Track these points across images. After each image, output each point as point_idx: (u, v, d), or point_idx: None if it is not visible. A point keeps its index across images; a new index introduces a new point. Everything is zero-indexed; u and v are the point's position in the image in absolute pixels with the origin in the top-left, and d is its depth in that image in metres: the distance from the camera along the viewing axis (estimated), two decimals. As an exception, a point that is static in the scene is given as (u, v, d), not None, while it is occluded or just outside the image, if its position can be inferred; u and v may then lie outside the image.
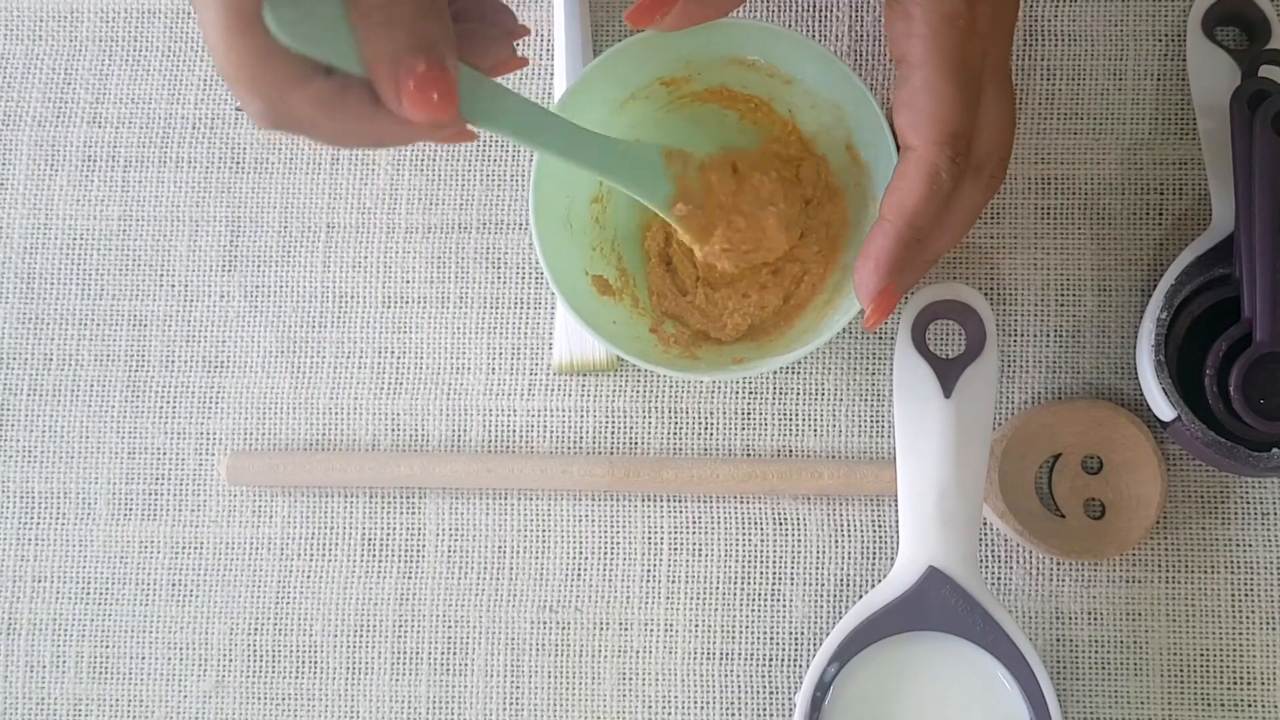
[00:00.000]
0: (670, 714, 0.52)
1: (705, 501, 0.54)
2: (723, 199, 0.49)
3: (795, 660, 0.52)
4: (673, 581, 0.53)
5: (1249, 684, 0.51)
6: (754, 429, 0.54)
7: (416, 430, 0.55)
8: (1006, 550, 0.53)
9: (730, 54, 0.50)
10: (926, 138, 0.41)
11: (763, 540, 0.53)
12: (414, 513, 0.54)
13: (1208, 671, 0.52)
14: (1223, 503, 0.52)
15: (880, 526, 0.53)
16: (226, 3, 0.34)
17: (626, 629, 0.53)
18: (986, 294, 0.54)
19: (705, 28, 0.48)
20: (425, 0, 0.36)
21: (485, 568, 0.54)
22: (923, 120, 0.41)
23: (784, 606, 0.53)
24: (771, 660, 0.53)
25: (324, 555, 0.54)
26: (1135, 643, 0.52)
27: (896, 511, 0.49)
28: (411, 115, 0.36)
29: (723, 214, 0.49)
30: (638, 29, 0.44)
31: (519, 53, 0.43)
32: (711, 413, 0.54)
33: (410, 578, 0.54)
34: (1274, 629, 0.52)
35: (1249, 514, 0.52)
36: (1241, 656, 0.52)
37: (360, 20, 0.36)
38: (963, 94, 0.40)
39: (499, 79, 0.42)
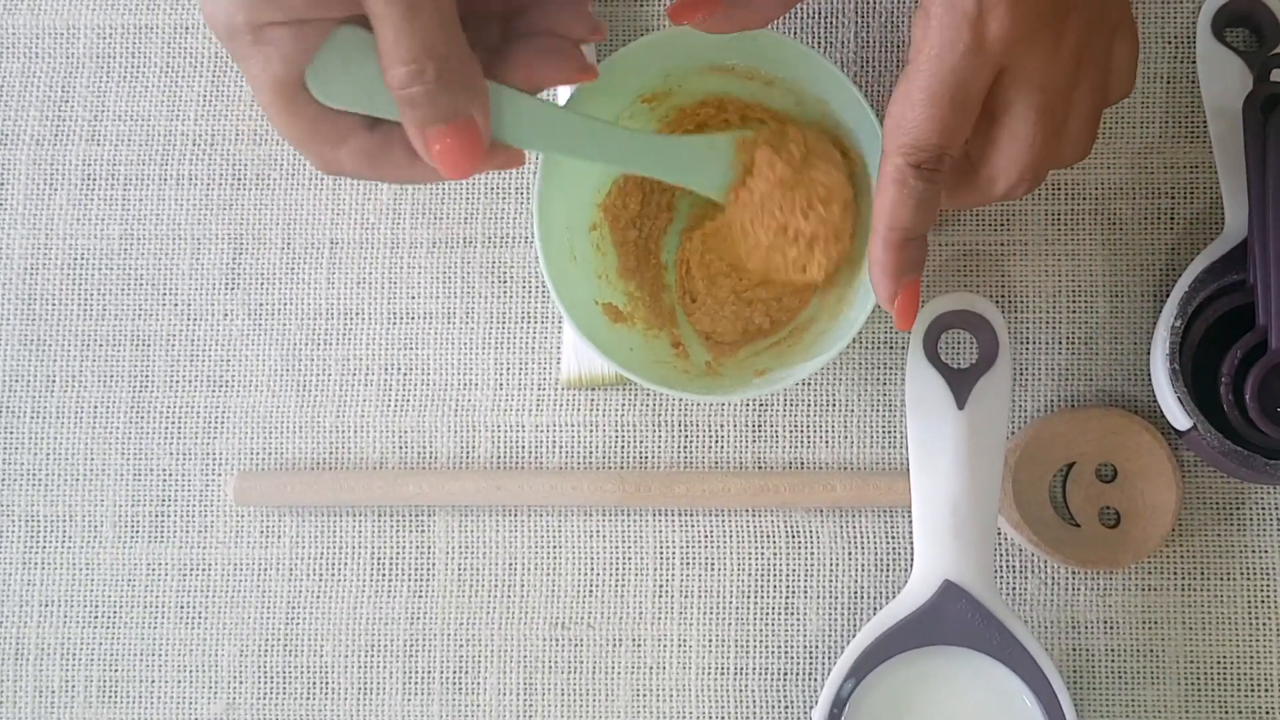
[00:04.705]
0: (685, 730, 0.52)
1: (717, 515, 0.53)
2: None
3: (810, 674, 0.52)
4: (685, 596, 0.53)
5: (1266, 691, 0.51)
6: (765, 441, 0.54)
7: (424, 447, 0.54)
8: (1021, 560, 0.52)
9: (708, 61, 0.50)
10: (889, 145, 0.42)
11: (775, 554, 0.53)
12: (423, 531, 0.54)
13: (1225, 679, 0.51)
14: (1238, 509, 0.52)
15: (894, 538, 0.53)
16: (273, 75, 0.39)
17: (640, 645, 0.53)
18: (997, 301, 0.54)
19: (680, 36, 0.47)
20: (455, 56, 0.40)
21: (496, 585, 0.53)
22: (890, 127, 0.42)
23: (798, 620, 0.53)
24: (786, 675, 0.52)
25: (333, 575, 0.54)
26: (1152, 651, 0.52)
27: (910, 522, 0.49)
28: (443, 172, 0.40)
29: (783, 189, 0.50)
30: (678, 24, 0.44)
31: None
32: (722, 425, 0.54)
33: (420, 596, 0.53)
34: (1291, 636, 0.51)
35: (1265, 520, 0.52)
36: (1258, 663, 0.51)
37: (390, 89, 0.39)
38: (939, 111, 0.41)
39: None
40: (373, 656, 0.53)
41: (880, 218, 0.43)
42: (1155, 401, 0.51)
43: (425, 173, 0.42)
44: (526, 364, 0.54)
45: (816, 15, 0.56)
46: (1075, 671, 0.52)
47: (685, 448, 0.54)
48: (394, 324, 0.55)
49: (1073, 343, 0.53)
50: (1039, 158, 0.42)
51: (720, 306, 0.52)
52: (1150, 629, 0.52)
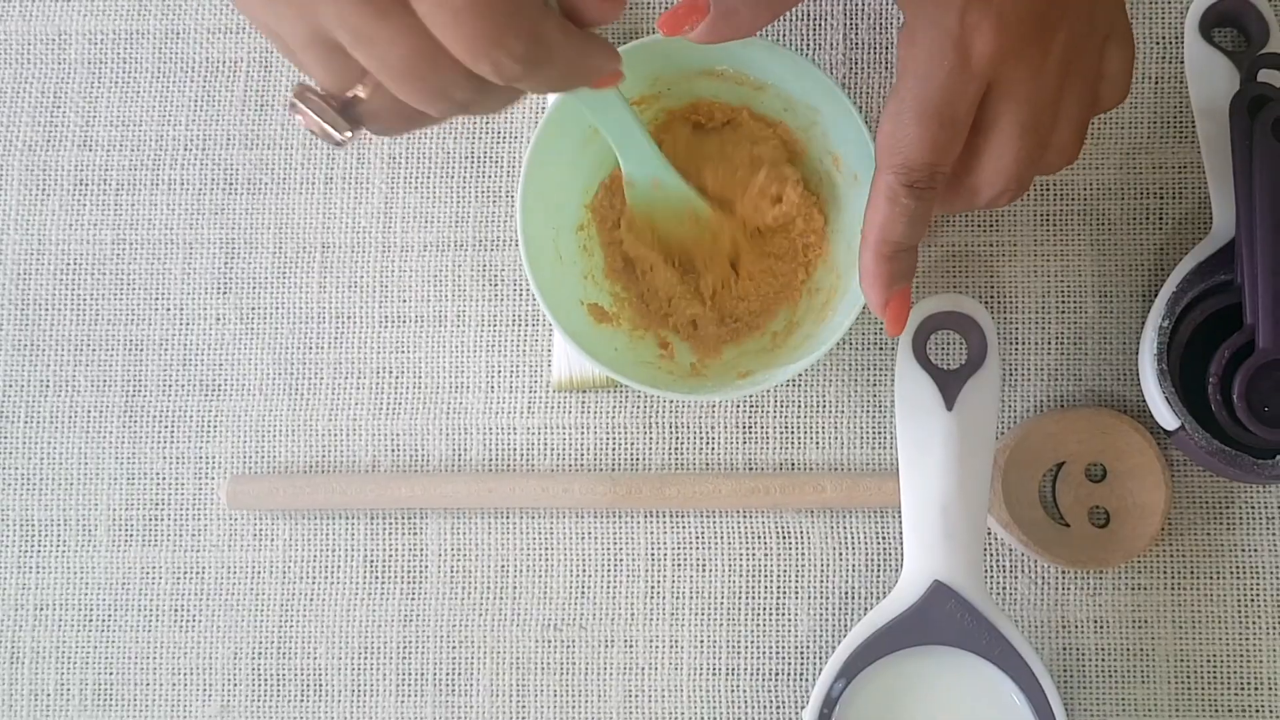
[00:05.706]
0: (677, 731, 0.52)
1: (708, 516, 0.53)
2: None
3: (801, 675, 0.52)
4: (677, 597, 0.53)
5: (1256, 689, 0.51)
6: (755, 443, 0.54)
7: (417, 450, 0.54)
8: (1011, 560, 0.53)
9: (698, 66, 0.50)
10: (883, 163, 0.42)
11: (766, 555, 0.53)
12: (416, 533, 0.54)
13: (1215, 677, 0.51)
14: (1227, 508, 0.52)
15: (884, 538, 0.53)
16: None
17: (631, 646, 0.53)
18: (986, 302, 0.54)
19: (669, 41, 0.47)
20: None
21: (488, 587, 0.53)
22: (882, 145, 0.42)
23: (789, 621, 0.53)
24: (777, 675, 0.52)
25: (326, 578, 0.54)
26: (1142, 650, 0.52)
27: (899, 522, 0.49)
28: (608, 13, 0.37)
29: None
30: (668, 36, 0.44)
31: None
32: (712, 427, 0.54)
33: (413, 599, 0.54)
34: (1280, 634, 0.52)
35: (1254, 519, 0.52)
36: (1248, 661, 0.51)
37: None
38: (929, 130, 0.41)
39: None
40: (366, 659, 0.53)
41: (872, 231, 0.43)
42: (1144, 401, 0.51)
43: (595, 55, 0.37)
44: (517, 367, 0.55)
45: (805, 17, 0.56)
46: (1065, 671, 0.52)
47: (676, 450, 0.54)
48: (385, 327, 0.55)
49: (1061, 343, 0.54)
50: (1024, 169, 0.42)
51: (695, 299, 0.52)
52: (1140, 628, 0.52)
